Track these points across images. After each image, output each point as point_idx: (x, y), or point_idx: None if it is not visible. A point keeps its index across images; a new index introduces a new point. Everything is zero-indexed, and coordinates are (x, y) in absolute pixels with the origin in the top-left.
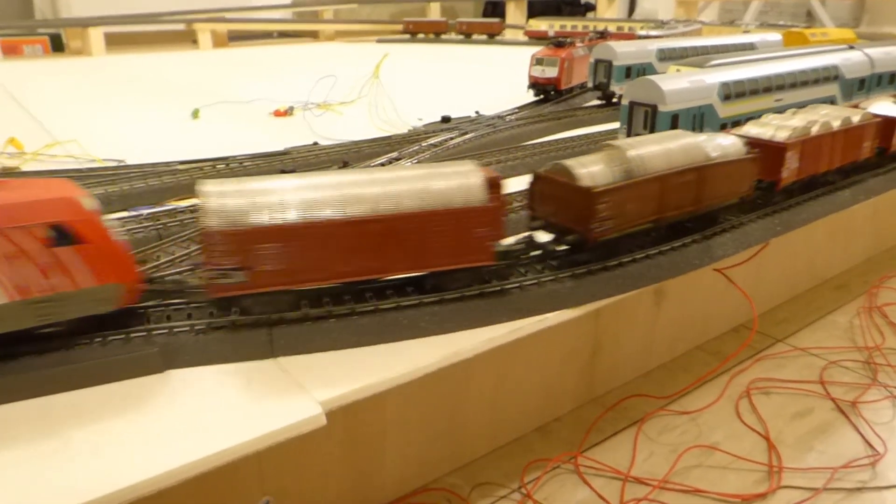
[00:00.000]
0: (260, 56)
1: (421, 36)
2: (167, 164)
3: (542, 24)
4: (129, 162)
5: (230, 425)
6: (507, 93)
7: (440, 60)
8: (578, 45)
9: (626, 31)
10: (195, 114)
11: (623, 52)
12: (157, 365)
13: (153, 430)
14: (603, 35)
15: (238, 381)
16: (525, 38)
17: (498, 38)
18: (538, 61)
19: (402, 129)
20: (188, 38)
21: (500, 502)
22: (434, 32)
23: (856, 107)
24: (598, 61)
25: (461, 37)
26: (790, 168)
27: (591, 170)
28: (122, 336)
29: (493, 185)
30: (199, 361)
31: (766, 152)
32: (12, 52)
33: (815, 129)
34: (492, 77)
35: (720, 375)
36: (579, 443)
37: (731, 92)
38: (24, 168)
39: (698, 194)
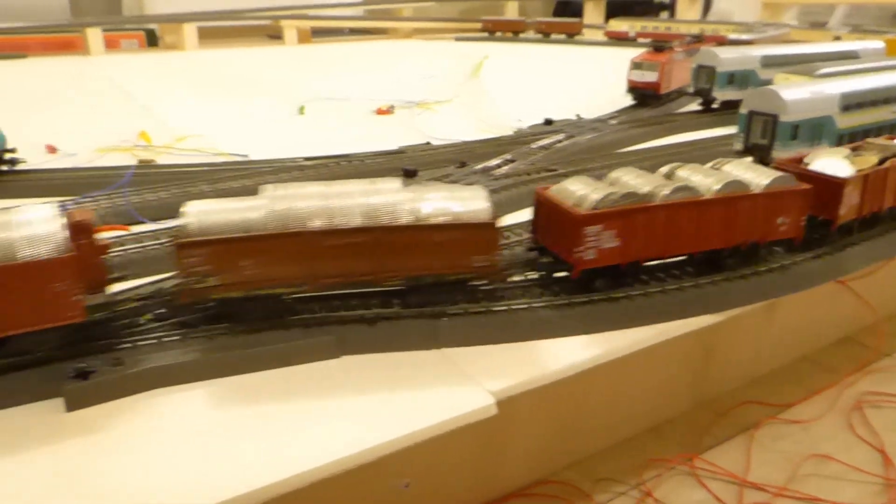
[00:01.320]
0: (344, 52)
1: (498, 34)
2: (293, 159)
3: (622, 25)
4: (252, 157)
5: (408, 411)
6: (601, 95)
7: (528, 59)
8: (677, 49)
9: (709, 32)
10: (301, 110)
11: (727, 58)
12: (333, 351)
13: (340, 411)
14: (699, 39)
15: (407, 369)
16: (605, 39)
17: (577, 37)
18: (637, 65)
19: (503, 129)
20: (264, 34)
21: (619, 499)
22: (512, 31)
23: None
24: (700, 67)
25: (539, 36)
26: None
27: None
28: (301, 324)
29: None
30: (371, 349)
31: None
32: (111, 46)
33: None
34: (580, 78)
35: (830, 387)
36: (692, 445)
37: (851, 103)
38: (159, 160)
39: (377, 261)
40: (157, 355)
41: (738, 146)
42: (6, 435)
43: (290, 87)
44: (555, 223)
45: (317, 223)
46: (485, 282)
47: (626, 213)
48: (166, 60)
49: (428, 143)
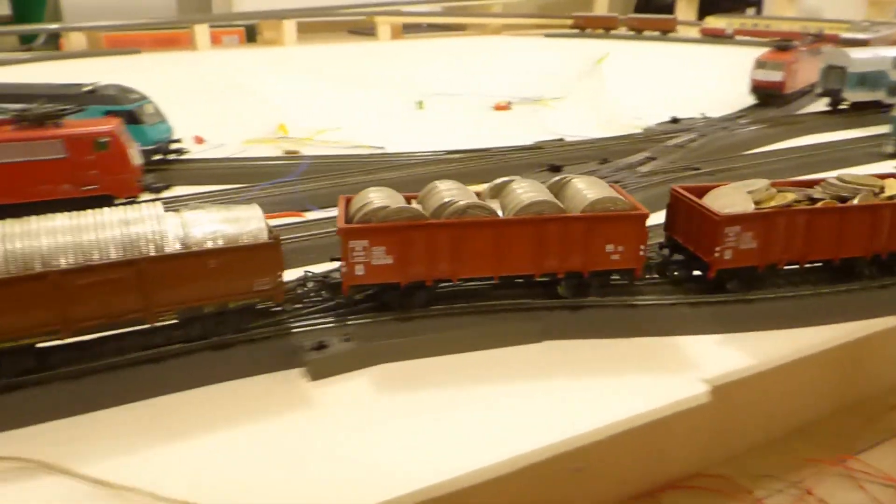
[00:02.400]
0: (436, 48)
1: (588, 31)
2: (435, 152)
3: (719, 22)
4: (388, 149)
5: (625, 397)
6: (712, 94)
7: (621, 56)
8: (801, 48)
9: (811, 30)
10: (420, 105)
11: (859, 58)
12: (537, 335)
13: (550, 394)
14: (820, 38)
15: (610, 356)
16: (699, 36)
17: (671, 34)
18: (761, 64)
19: (627, 127)
20: (344, 29)
21: (778, 496)
22: (603, 28)
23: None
24: (830, 67)
25: (632, 33)
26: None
27: None
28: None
29: None
30: (574, 335)
31: None
32: (213, 41)
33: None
34: (679, 76)
35: None
36: (842, 447)
37: None
38: (304, 152)
39: (145, 297)
40: (383, 332)
41: (890, 149)
42: (256, 400)
43: (397, 82)
44: (694, 223)
45: (63, 261)
46: (616, 278)
47: (766, 217)
48: (272, 55)
49: (562, 140)
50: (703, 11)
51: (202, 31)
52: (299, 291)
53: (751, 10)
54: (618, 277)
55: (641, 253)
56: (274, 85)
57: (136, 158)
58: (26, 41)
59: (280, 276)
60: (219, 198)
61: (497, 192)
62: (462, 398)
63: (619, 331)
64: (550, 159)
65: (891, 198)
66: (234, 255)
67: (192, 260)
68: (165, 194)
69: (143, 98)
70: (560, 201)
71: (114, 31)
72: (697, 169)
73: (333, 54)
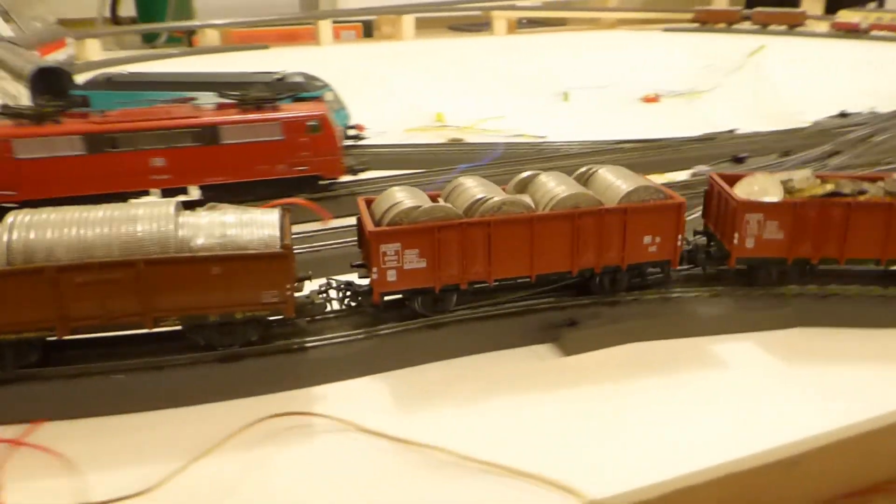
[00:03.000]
0: (553, 42)
1: (709, 25)
2: (607, 142)
3: (854, 16)
4: (550, 139)
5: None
6: (871, 88)
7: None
8: None
9: None
10: (565, 97)
11: None
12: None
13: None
14: None
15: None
16: (829, 31)
17: (799, 29)
18: None
19: (793, 120)
20: (444, 25)
21: None
22: (726, 22)
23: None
24: None
25: (756, 27)
26: None
27: None
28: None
29: None
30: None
31: None
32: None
33: None
34: (812, 71)
35: None
36: None
37: None
38: (468, 140)
39: (144, 300)
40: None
41: None
42: (517, 371)
43: (534, 75)
44: (720, 209)
45: (65, 257)
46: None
47: (793, 207)
48: (398, 49)
49: (732, 131)
50: (832, 5)
51: (325, 27)
52: (319, 300)
53: (871, 5)
54: (657, 270)
55: (679, 244)
56: (413, 77)
57: (341, 141)
58: (149, 40)
59: (290, 288)
60: (418, 181)
61: (523, 187)
62: (712, 383)
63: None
64: (727, 151)
65: None
66: (239, 264)
67: (194, 265)
68: (362, 175)
69: (326, 86)
70: (594, 191)
71: (243, 27)
72: (890, 163)
73: (455, 48)
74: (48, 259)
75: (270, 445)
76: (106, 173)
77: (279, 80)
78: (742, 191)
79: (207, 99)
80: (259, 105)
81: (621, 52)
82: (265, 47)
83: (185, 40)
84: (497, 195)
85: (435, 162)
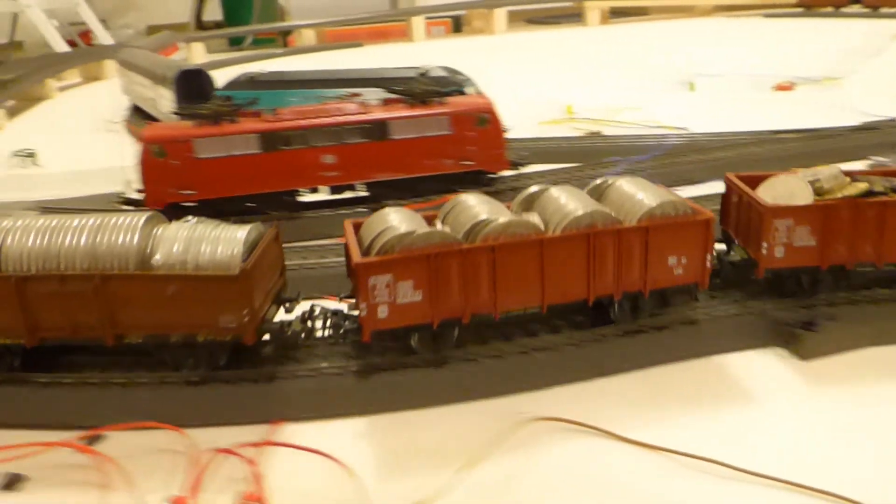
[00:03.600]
0: (650, 31)
1: (814, 10)
2: (767, 132)
3: None
4: (692, 130)
5: None
6: None
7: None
8: None
9: None
10: (691, 86)
11: None
12: None
13: None
14: None
15: None
16: None
17: None
18: None
19: None
20: (522, 18)
21: None
22: (833, 6)
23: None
24: None
25: (867, 10)
26: None
27: None
28: None
29: None
30: None
31: None
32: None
33: None
34: None
35: None
36: None
37: None
38: (605, 132)
39: (104, 314)
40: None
41: None
42: (748, 375)
43: (649, 64)
44: (743, 214)
45: (33, 265)
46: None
47: (825, 210)
48: (496, 42)
49: (894, 119)
50: None
51: (418, 24)
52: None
53: None
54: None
55: (708, 264)
56: (519, 70)
57: (506, 134)
58: (235, 43)
59: (247, 313)
60: (579, 175)
61: (530, 205)
62: None
63: None
64: (892, 140)
65: None
66: (191, 285)
67: (149, 283)
68: (524, 170)
69: (468, 80)
70: (630, 203)
71: (336, 26)
72: None
73: (550, 40)
74: (18, 267)
75: (533, 450)
76: (279, 171)
77: (422, 74)
78: (766, 194)
79: (355, 94)
80: (426, 99)
81: (727, 39)
82: (359, 45)
83: (280, 41)
84: (502, 215)
85: (588, 155)
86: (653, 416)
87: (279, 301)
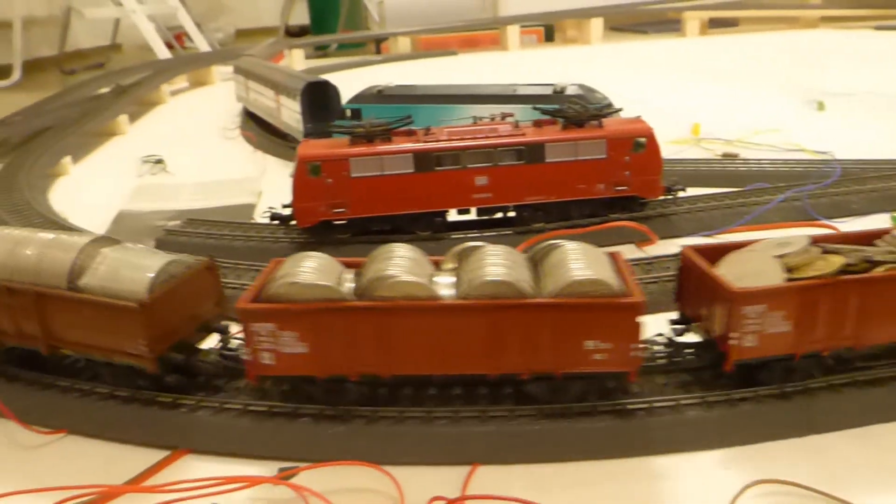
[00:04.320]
0: (759, 42)
1: None
2: None
3: None
4: (838, 156)
5: None
6: None
7: None
8: None
9: None
10: (820, 106)
11: None
12: None
13: None
14: None
15: None
16: None
17: None
18: None
19: None
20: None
21: None
22: None
23: None
24: None
25: None
26: None
27: None
28: None
29: None
30: None
31: None
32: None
33: None
34: None
35: None
36: None
37: None
38: (744, 155)
39: (45, 329)
40: None
41: None
42: None
43: (756, 78)
44: (705, 296)
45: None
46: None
47: (803, 291)
48: (589, 52)
49: None
50: None
51: (513, 32)
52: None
53: None
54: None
55: (632, 354)
56: (623, 82)
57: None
58: (321, 49)
59: (147, 344)
60: (733, 203)
61: (463, 259)
62: None
63: None
64: None
65: None
66: (99, 311)
67: (69, 303)
68: (682, 194)
69: (605, 98)
70: (539, 276)
71: (432, 34)
72: None
73: (647, 50)
74: None
75: None
76: (431, 191)
77: (557, 92)
78: (730, 271)
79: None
80: (582, 122)
81: (839, 54)
82: (454, 53)
83: (374, 48)
84: (417, 270)
85: (730, 179)
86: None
87: (210, 329)
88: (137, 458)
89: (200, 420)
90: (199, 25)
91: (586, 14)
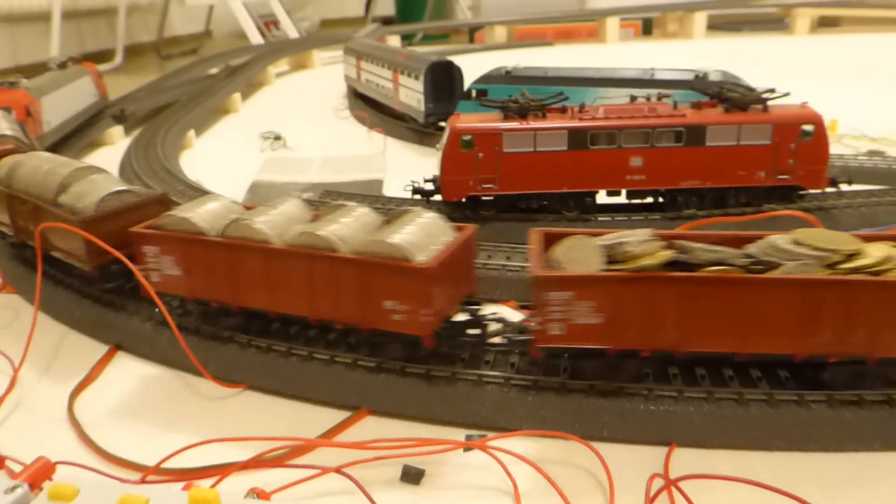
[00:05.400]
0: (872, 43)
1: None
2: None
3: None
4: None
5: None
6: None
7: None
8: None
9: None
10: None
11: None
12: None
13: None
14: None
15: None
16: None
17: None
18: None
19: None
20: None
21: None
22: None
23: None
24: None
25: None
26: None
27: None
28: None
29: None
30: None
31: None
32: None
33: None
34: None
35: None
36: None
37: None
38: (890, 152)
39: None
40: None
41: None
42: None
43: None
44: None
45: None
46: None
47: (609, 282)
48: (692, 47)
49: None
50: None
51: (613, 24)
52: None
53: None
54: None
55: (423, 319)
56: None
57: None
58: (406, 38)
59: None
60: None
61: (327, 214)
62: None
63: None
64: None
65: (857, 269)
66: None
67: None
68: (845, 187)
69: (749, 86)
70: (373, 235)
71: (529, 24)
72: None
73: (754, 48)
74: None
75: None
76: (584, 170)
77: (700, 77)
78: (563, 256)
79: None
80: (746, 105)
81: None
82: (550, 44)
83: (468, 36)
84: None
85: (882, 177)
86: None
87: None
88: (316, 416)
89: (378, 381)
90: (287, 13)
91: (690, 7)
